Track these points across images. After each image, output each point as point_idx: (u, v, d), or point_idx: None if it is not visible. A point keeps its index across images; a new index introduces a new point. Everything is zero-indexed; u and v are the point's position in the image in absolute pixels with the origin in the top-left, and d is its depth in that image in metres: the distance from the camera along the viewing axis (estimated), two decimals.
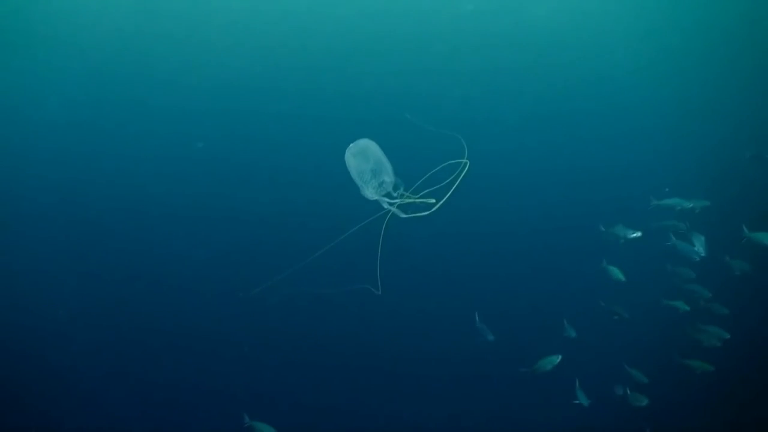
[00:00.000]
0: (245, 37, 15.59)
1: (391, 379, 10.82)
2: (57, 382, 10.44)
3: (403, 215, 4.88)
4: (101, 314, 11.32)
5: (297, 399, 10.50)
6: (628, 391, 8.08)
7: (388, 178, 4.95)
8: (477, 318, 9.31)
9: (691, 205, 8.17)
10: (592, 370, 8.64)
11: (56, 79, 14.40)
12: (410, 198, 4.88)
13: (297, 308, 10.99)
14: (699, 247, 8.22)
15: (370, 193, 4.99)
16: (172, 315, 11.46)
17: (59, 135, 13.87)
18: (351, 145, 4.93)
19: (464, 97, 14.59)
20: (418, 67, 14.94)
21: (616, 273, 8.50)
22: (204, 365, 10.92)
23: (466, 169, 4.85)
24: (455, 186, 4.76)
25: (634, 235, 8.30)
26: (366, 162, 4.89)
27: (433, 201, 4.81)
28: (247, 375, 10.79)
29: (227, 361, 10.95)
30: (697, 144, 12.77)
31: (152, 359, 10.86)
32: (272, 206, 13.23)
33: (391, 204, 4.98)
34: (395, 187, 5.00)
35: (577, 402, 8.14)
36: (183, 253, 12.50)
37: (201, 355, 11.00)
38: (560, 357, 7.86)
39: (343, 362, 10.99)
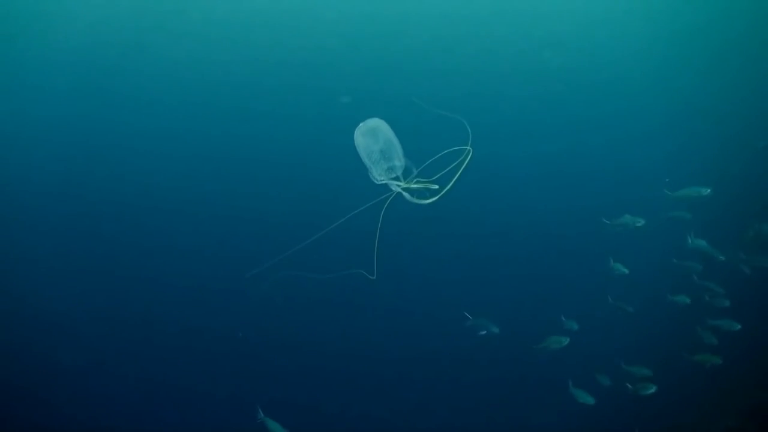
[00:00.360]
0: (255, 25, 15.35)
1: (390, 376, 10.72)
2: (65, 380, 10.36)
3: (418, 201, 4.63)
4: (103, 311, 11.15)
5: (296, 393, 10.39)
6: (629, 385, 7.99)
7: (398, 161, 4.69)
8: (469, 317, 9.12)
9: (708, 191, 8.03)
10: (594, 365, 8.57)
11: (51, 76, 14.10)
12: (417, 182, 4.64)
13: (295, 301, 10.86)
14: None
15: (378, 174, 4.73)
16: (168, 308, 11.30)
17: (58, 131, 13.60)
18: (360, 124, 4.66)
19: (472, 88, 14.44)
20: (427, 60, 14.75)
21: (620, 267, 8.40)
22: (200, 359, 10.78)
23: (469, 156, 4.62)
24: (459, 173, 4.53)
25: (639, 223, 8.19)
26: (375, 142, 4.63)
27: (437, 187, 4.59)
28: (245, 368, 10.65)
29: (225, 354, 10.81)
30: (702, 142, 12.68)
31: (153, 355, 10.69)
32: (274, 196, 13.07)
33: (398, 188, 4.74)
34: (406, 171, 4.75)
35: (581, 401, 8.06)
36: (181, 241, 12.35)
37: (197, 349, 10.87)
38: (568, 339, 7.79)
39: (341, 357, 10.87)
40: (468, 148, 4.73)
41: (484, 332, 8.55)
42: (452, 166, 4.64)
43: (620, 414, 8.74)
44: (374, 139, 4.60)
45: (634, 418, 8.81)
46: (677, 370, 8.43)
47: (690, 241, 8.27)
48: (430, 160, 4.88)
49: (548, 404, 9.47)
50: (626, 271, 8.41)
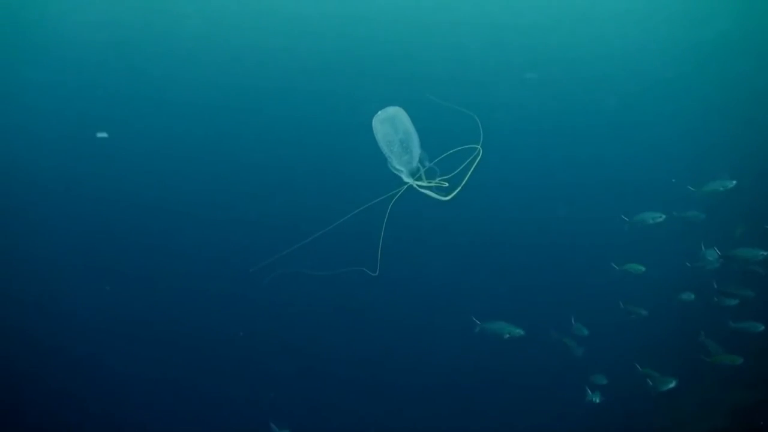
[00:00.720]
0: (260, 26, 15.23)
1: (395, 378, 10.57)
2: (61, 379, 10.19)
3: (436, 196, 4.45)
4: (107, 311, 11.06)
5: (299, 396, 10.23)
6: (650, 381, 7.75)
7: (415, 152, 4.50)
8: (477, 322, 8.77)
9: (734, 183, 7.77)
10: (599, 366, 8.43)
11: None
12: (434, 180, 4.46)
13: (299, 301, 10.73)
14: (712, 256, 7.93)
15: (398, 165, 4.54)
16: (172, 308, 11.26)
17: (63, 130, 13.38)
18: (379, 111, 4.47)
19: (489, 91, 14.30)
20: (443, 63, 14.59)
21: (636, 267, 8.17)
22: (203, 362, 10.65)
23: (479, 156, 4.45)
24: (470, 172, 4.36)
25: (660, 219, 7.95)
26: (395, 132, 4.44)
27: (446, 184, 4.43)
28: (249, 370, 10.50)
29: (228, 357, 10.66)
30: (721, 146, 12.51)
31: (155, 356, 10.61)
32: (279, 193, 12.98)
33: (412, 183, 4.56)
34: (421, 163, 4.56)
35: (591, 400, 7.91)
36: (186, 241, 12.25)
37: (200, 351, 10.75)
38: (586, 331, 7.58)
39: (345, 359, 10.73)
40: (479, 147, 4.56)
41: (508, 335, 8.27)
42: (464, 165, 4.48)
43: (610, 415, 8.65)
44: (393, 127, 4.41)
45: (625, 418, 8.71)
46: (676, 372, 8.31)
47: (712, 254, 7.96)
48: (440, 157, 4.70)
49: (550, 407, 9.35)
50: (642, 269, 8.19)
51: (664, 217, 8.04)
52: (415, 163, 4.51)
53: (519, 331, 8.09)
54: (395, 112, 4.42)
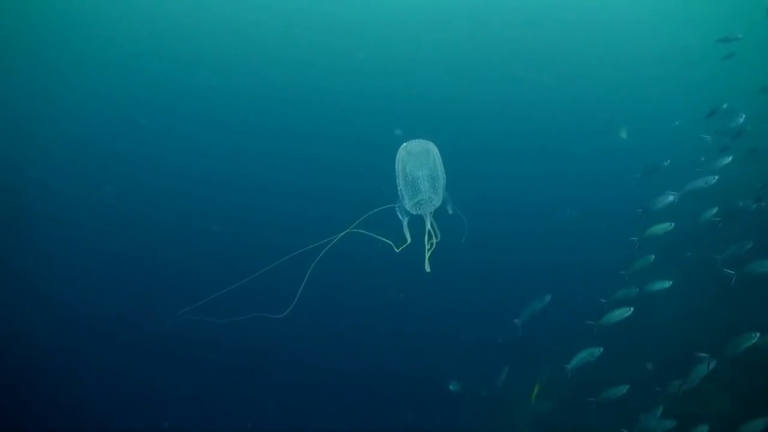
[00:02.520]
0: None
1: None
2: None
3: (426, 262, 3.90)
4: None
5: None
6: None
7: (436, 194, 3.93)
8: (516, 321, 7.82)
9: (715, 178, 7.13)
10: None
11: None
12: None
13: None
14: None
15: (411, 207, 3.94)
16: None
17: None
18: (405, 143, 3.89)
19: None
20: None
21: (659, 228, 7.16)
22: None
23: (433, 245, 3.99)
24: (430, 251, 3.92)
25: (712, 181, 7.09)
26: (424, 166, 3.85)
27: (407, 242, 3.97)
28: None
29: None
30: None
31: None
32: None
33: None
34: (446, 207, 4.03)
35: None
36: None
37: None
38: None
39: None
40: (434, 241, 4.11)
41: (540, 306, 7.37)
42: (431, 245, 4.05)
43: None
44: (424, 162, 3.83)
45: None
46: None
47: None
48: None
49: None
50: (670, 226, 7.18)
51: (717, 177, 6.94)
52: (433, 207, 3.95)
53: (547, 297, 7.39)
54: (425, 145, 3.85)
